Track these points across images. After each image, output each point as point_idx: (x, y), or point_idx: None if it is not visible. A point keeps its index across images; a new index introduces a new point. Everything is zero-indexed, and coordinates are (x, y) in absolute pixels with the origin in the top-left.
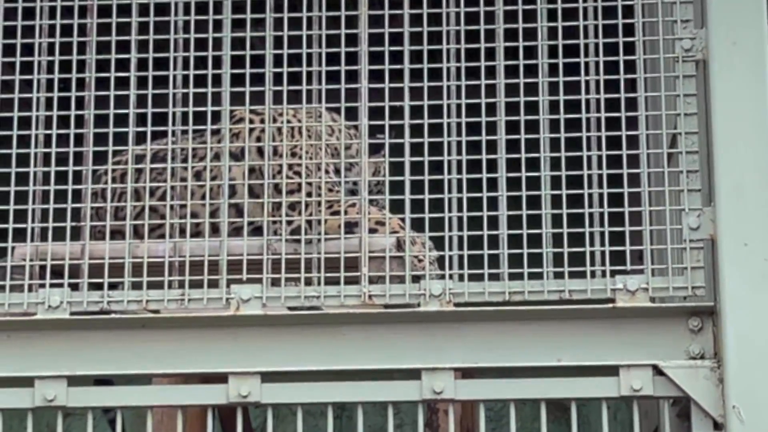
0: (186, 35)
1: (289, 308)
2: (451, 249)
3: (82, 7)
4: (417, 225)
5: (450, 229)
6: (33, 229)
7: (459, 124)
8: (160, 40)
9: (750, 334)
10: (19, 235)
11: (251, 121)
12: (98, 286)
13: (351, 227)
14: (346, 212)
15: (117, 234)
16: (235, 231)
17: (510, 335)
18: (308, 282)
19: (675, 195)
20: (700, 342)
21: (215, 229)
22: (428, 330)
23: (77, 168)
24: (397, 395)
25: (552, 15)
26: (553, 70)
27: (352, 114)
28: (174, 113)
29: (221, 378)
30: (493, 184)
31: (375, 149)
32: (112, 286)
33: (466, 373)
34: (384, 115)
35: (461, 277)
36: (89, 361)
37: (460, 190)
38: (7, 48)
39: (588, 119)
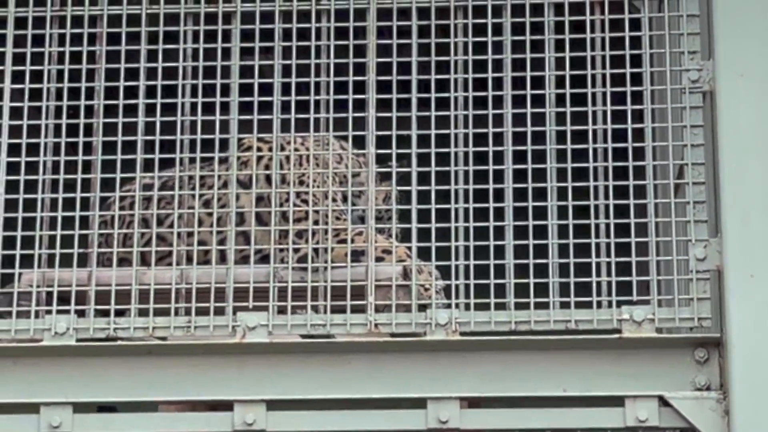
0: (195, 63)
1: (297, 336)
2: (457, 278)
3: (91, 35)
4: (424, 254)
5: (456, 258)
6: (40, 255)
7: (466, 154)
8: (169, 67)
9: (756, 365)
10: (27, 261)
11: (259, 149)
12: (105, 313)
13: (358, 255)
14: (353, 240)
15: (124, 261)
16: (243, 259)
17: (516, 365)
18: (315, 310)
19: (682, 226)
20: (707, 373)
21: (223, 257)
22: (434, 359)
23: (85, 195)
24: (403, 424)
25: (560, 45)
26: (560, 100)
27: (359, 142)
28: (182, 140)
29: (227, 405)
30: (500, 214)
31: (384, 177)
32: (119, 313)
33: (472, 403)
34: (391, 143)
35: (467, 307)
36: (95, 388)
37: (467, 219)
38: (17, 75)
39: (595, 149)
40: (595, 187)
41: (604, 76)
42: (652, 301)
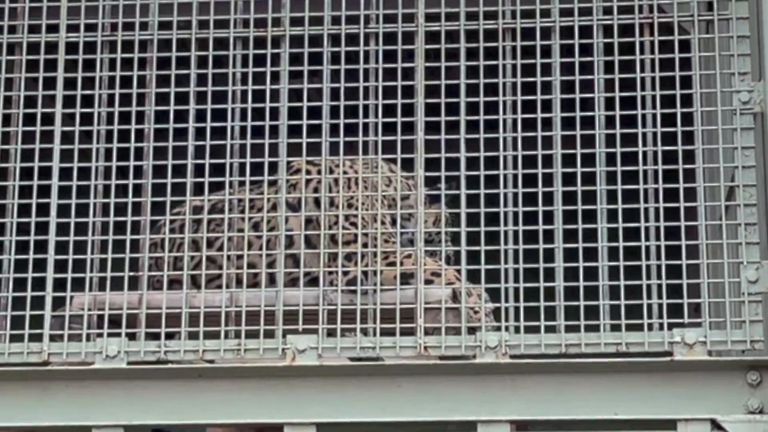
0: (244, 87)
1: (346, 359)
2: (507, 300)
3: (141, 59)
4: (473, 276)
5: (506, 281)
6: (91, 278)
7: (515, 176)
8: (218, 91)
9: None
10: (78, 285)
11: (308, 172)
12: (155, 336)
13: (407, 278)
14: (402, 263)
15: (174, 284)
16: (292, 282)
17: (566, 388)
18: (364, 333)
19: (733, 248)
20: (759, 396)
21: (272, 280)
22: (484, 382)
23: (135, 218)
24: None
25: (609, 67)
26: (610, 122)
27: (408, 165)
28: (232, 164)
29: (277, 428)
30: (549, 236)
31: (434, 200)
32: (169, 336)
33: (521, 426)
34: (440, 166)
35: (517, 329)
36: (146, 411)
37: (516, 242)
38: (68, 99)
39: (645, 171)
40: (646, 209)
41: (653, 97)
42: (703, 323)
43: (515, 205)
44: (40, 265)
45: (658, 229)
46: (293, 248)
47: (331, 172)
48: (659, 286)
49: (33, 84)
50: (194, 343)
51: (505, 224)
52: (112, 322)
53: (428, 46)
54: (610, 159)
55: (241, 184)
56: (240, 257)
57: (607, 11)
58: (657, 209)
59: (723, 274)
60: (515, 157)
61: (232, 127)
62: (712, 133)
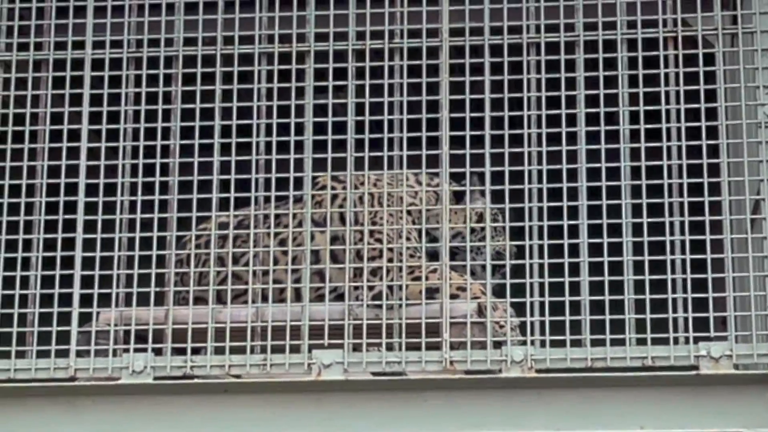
0: (269, 102)
1: (371, 374)
2: (532, 315)
3: (166, 76)
4: (498, 291)
5: (531, 295)
6: (118, 294)
7: (540, 190)
8: (243, 107)
9: None
10: (104, 301)
11: (333, 188)
12: (181, 351)
13: (432, 293)
14: (427, 278)
15: (200, 300)
16: (319, 298)
17: (592, 402)
18: (389, 347)
19: (758, 261)
20: None
21: (298, 295)
22: (510, 396)
23: (161, 234)
24: None
25: (633, 81)
26: (634, 135)
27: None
28: (257, 179)
29: None
30: (574, 250)
31: (459, 198)
32: (195, 351)
33: None
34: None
35: (543, 344)
36: (172, 426)
37: (541, 256)
38: (94, 115)
39: (670, 185)
40: (671, 223)
41: (678, 111)
42: (729, 337)
43: (540, 219)
44: (66, 280)
45: (683, 242)
46: (319, 264)
47: (356, 187)
48: (685, 299)
49: (59, 100)
50: (220, 358)
51: (530, 238)
52: (138, 337)
53: (453, 61)
54: (635, 173)
55: (267, 200)
56: (266, 273)
57: (631, 25)
58: (682, 223)
59: (749, 287)
60: (540, 171)
61: (257, 143)
62: (737, 146)
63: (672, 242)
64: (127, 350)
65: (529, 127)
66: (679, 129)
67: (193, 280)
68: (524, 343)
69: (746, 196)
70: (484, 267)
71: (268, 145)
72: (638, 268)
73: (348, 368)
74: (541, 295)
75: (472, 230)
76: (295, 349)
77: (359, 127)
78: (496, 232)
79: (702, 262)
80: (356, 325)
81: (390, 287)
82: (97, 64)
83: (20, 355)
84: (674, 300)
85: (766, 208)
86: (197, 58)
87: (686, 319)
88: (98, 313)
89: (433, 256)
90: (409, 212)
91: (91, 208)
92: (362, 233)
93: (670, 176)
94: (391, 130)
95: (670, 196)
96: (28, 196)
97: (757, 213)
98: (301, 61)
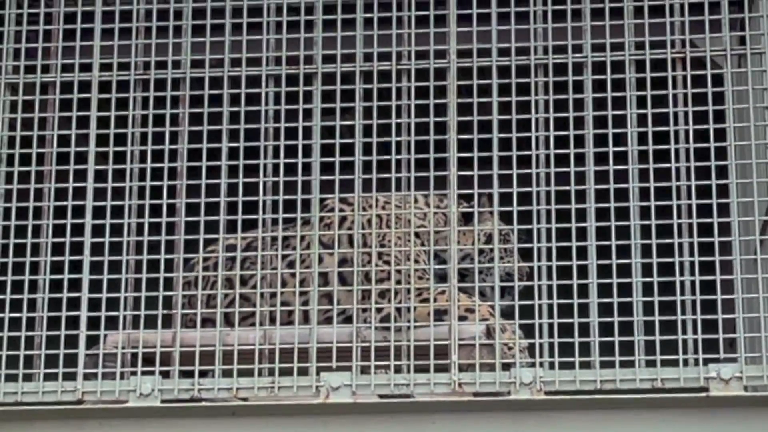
0: (276, 124)
1: (379, 396)
2: (541, 336)
3: (174, 98)
4: (507, 312)
5: (540, 317)
6: (125, 316)
7: (549, 211)
8: (251, 129)
9: None
10: (112, 323)
11: (342, 210)
12: (189, 374)
13: (441, 315)
14: (435, 299)
15: (208, 322)
16: (327, 320)
17: (602, 424)
18: (398, 370)
19: None
20: None
21: (306, 318)
22: (519, 418)
23: (169, 256)
24: None
25: (642, 102)
26: (642, 156)
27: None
28: (265, 202)
29: None
30: (583, 271)
31: (468, 219)
32: (203, 374)
33: None
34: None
35: (552, 365)
36: None
37: (550, 277)
38: (101, 138)
39: (679, 206)
40: (680, 244)
41: (686, 132)
42: (739, 358)
43: (549, 240)
44: (74, 303)
45: (692, 263)
46: (327, 286)
47: (364, 209)
48: (694, 321)
49: (66, 123)
50: (228, 381)
51: (539, 260)
52: (146, 360)
53: (460, 82)
54: (644, 194)
55: (275, 222)
56: (274, 295)
57: (639, 46)
58: (691, 244)
59: (758, 308)
60: (548, 193)
61: (265, 165)
62: (746, 167)
63: (681, 264)
64: (134, 373)
65: (537, 148)
66: (687, 150)
67: (201, 302)
68: (533, 364)
69: (755, 216)
70: (494, 288)
71: (276, 167)
72: (647, 289)
73: (356, 391)
74: (550, 316)
75: (482, 251)
76: (303, 372)
77: (367, 149)
78: (506, 253)
79: (711, 284)
80: (364, 347)
81: (398, 309)
82: (105, 87)
83: (28, 378)
84: (684, 322)
85: None
86: (205, 80)
87: (696, 341)
88: (106, 335)
89: (442, 278)
90: (417, 234)
91: (98, 230)
92: (370, 255)
93: (679, 197)
94: (399, 152)
95: (679, 217)
96: (36, 218)
97: (766, 234)
98: (308, 83)
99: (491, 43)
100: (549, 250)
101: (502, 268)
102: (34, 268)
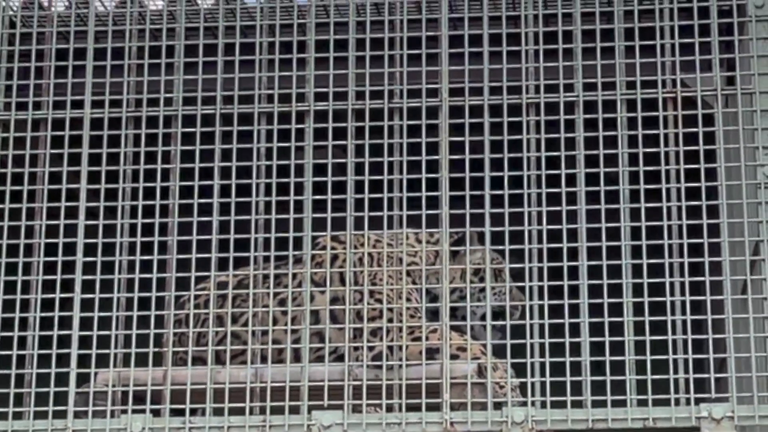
0: (268, 162)
1: None
2: (533, 375)
3: (165, 135)
4: (499, 351)
5: (532, 356)
6: (116, 354)
7: (540, 250)
8: (243, 166)
9: None
10: (102, 361)
11: (333, 248)
12: (180, 412)
13: (432, 353)
14: (427, 338)
15: (198, 360)
16: (318, 359)
17: None
18: (389, 408)
19: (759, 322)
20: None
21: (297, 356)
22: None
23: (160, 294)
24: None
25: (633, 141)
26: (634, 195)
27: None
28: (256, 239)
29: None
30: (575, 310)
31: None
32: (194, 412)
33: None
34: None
35: (543, 404)
36: None
37: (542, 316)
38: (92, 175)
39: (670, 245)
40: (671, 283)
41: (677, 171)
42: (730, 398)
43: (540, 279)
44: (64, 341)
45: (683, 303)
46: (319, 324)
47: (356, 248)
48: (686, 360)
49: (58, 160)
50: (219, 420)
51: (531, 298)
52: (136, 398)
53: (452, 121)
54: (635, 233)
55: (266, 259)
56: (265, 333)
57: (631, 85)
58: (682, 283)
59: (749, 348)
60: (540, 231)
61: (257, 202)
62: (736, 206)
63: (672, 303)
64: (125, 411)
65: (528, 187)
66: (678, 189)
67: (192, 340)
68: (525, 403)
69: (746, 256)
70: (485, 326)
71: (268, 204)
72: (639, 328)
73: (348, 429)
74: (542, 355)
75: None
76: (294, 410)
77: (359, 187)
78: (498, 281)
79: (702, 323)
80: (356, 385)
81: (390, 348)
82: (96, 124)
83: (17, 416)
84: (675, 361)
85: (765, 269)
86: (196, 117)
87: (687, 380)
88: (96, 373)
89: (434, 314)
90: (408, 272)
91: (89, 267)
92: (362, 293)
93: (670, 236)
94: (390, 190)
95: (670, 256)
96: (26, 255)
97: (754, 273)
98: (300, 121)
99: (483, 81)
100: (540, 288)
101: (495, 306)
102: (25, 304)
